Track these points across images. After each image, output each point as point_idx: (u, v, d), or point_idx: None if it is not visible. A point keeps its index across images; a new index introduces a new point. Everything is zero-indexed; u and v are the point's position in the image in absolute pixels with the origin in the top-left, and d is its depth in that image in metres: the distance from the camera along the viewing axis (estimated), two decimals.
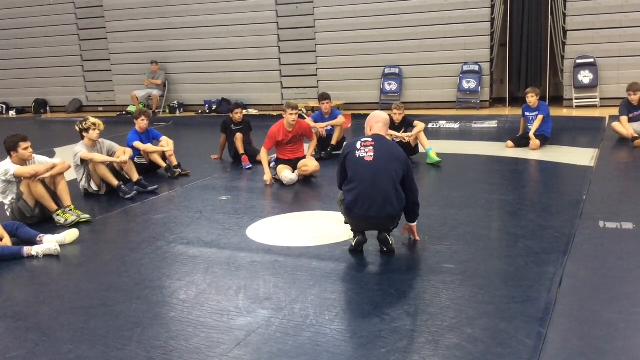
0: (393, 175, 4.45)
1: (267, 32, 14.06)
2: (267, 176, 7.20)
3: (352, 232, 4.69)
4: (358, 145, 4.57)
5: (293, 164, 7.34)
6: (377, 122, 4.70)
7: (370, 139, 4.59)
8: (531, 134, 8.53)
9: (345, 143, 5.34)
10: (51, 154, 8.39)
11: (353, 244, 4.64)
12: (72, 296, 4.15)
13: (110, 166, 7.02)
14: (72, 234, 5.30)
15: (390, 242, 4.58)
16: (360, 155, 4.51)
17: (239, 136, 8.37)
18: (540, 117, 8.59)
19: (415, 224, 4.78)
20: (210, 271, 4.45)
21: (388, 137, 4.94)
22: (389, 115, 5.94)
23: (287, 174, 7.13)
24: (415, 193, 4.62)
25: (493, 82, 12.99)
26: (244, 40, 14.25)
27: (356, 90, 13.33)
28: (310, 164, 7.30)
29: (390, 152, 4.53)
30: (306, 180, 7.30)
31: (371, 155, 4.48)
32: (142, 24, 15.15)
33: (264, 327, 3.50)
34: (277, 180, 7.21)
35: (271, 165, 7.47)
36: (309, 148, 7.66)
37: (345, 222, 4.76)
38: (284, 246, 4.93)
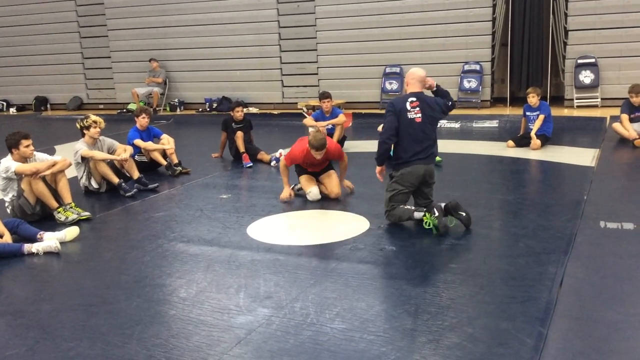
0: (433, 123, 5.25)
1: (268, 31, 14.05)
2: (286, 193, 6.27)
3: (428, 215, 4.97)
4: (408, 106, 5.15)
5: (317, 175, 6.43)
6: (412, 78, 5.25)
7: (415, 99, 5.16)
8: (532, 134, 8.52)
9: (395, 99, 5.19)
10: (52, 152, 8.40)
11: (436, 224, 4.89)
12: (73, 294, 4.15)
13: (111, 164, 7.02)
14: (72, 232, 5.30)
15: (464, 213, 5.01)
16: (411, 117, 5.13)
17: (239, 134, 8.37)
18: (541, 117, 8.58)
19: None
20: (210, 269, 4.45)
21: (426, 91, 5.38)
22: None
23: (314, 192, 6.22)
24: (449, 98, 5.39)
25: (494, 81, 12.97)
26: (244, 39, 14.24)
27: (357, 89, 13.28)
28: (334, 190, 6.25)
29: (430, 106, 5.21)
30: None
31: (419, 117, 5.14)
32: (142, 22, 15.15)
33: (264, 325, 3.50)
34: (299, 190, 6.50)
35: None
36: (340, 174, 6.41)
37: (391, 177, 5.29)
38: (285, 245, 4.93)
